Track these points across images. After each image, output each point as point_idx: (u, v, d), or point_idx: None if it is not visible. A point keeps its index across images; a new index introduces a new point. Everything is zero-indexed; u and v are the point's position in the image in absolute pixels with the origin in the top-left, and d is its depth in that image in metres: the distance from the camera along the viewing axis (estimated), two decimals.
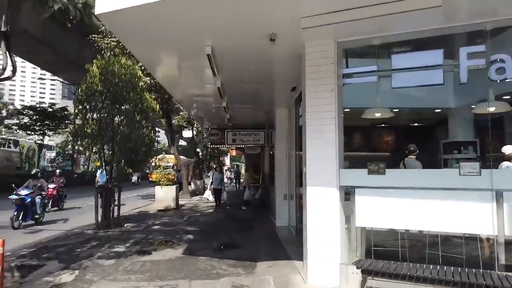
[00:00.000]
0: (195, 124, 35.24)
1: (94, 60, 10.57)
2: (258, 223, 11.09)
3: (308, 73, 5.15)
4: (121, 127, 10.48)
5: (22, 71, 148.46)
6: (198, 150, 32.49)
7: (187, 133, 43.98)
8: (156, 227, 10.75)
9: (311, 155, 5.07)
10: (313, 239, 5.00)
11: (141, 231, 10.08)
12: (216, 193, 15.48)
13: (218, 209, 14.72)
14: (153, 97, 11.69)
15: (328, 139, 4.96)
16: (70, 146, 11.65)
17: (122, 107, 10.41)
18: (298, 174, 9.30)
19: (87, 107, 10.10)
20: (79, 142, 10.24)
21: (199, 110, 11.66)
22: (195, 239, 8.90)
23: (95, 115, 10.40)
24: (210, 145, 16.01)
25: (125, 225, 10.96)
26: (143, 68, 16.11)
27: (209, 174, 36.25)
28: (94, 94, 10.13)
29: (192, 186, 25.47)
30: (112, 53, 14.11)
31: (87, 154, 10.79)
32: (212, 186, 15.68)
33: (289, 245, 7.79)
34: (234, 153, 37.57)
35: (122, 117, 10.39)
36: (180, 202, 16.88)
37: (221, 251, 7.52)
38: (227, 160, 53.20)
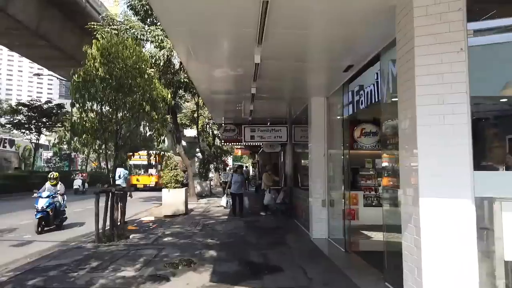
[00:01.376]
0: (207, 119, 33.57)
1: (93, 41, 8.86)
2: (288, 234, 9.36)
3: (418, 28, 3.43)
4: (126, 120, 8.77)
5: (19, 69, 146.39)
6: (203, 149, 30.85)
7: (189, 132, 42.44)
8: (168, 239, 9.02)
9: (425, 150, 3.36)
10: (433, 275, 3.29)
11: (151, 244, 8.36)
12: (235, 199, 12.75)
13: (233, 216, 12.96)
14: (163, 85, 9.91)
15: (455, 125, 3.25)
16: (65, 144, 9.41)
17: (128, 97, 8.69)
18: (345, 175, 7.64)
19: (86, 95, 8.36)
20: (76, 139, 8.50)
21: (219, 99, 9.92)
22: (220, 256, 7.17)
23: (95, 106, 8.71)
24: (224, 143, 14.22)
25: (130, 237, 9.24)
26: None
27: (212, 175, 34.58)
28: (93, 80, 8.42)
29: (198, 188, 23.80)
30: None
31: (86, 152, 9.03)
32: (230, 190, 12.79)
33: (348, 269, 6.06)
34: (239, 152, 35.86)
35: (128, 108, 8.66)
36: (188, 206, 15.18)
37: (260, 277, 5.80)
38: (229, 161, 51.55)
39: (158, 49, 16.35)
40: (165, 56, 16.36)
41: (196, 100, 26.83)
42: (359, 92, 6.83)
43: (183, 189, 14.06)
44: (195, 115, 30.62)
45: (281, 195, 12.60)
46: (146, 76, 9.15)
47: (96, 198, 8.76)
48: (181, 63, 17.50)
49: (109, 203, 8.87)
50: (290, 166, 13.17)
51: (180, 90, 19.17)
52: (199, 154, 39.82)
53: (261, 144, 14.44)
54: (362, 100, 6.61)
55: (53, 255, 7.48)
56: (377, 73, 5.89)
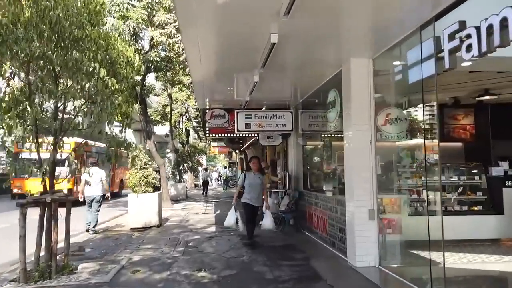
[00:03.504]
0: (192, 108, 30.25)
1: None
2: (314, 259, 6.47)
3: None
4: (70, 91, 5.64)
5: None
6: (176, 147, 27.70)
7: (161, 129, 39.03)
8: (136, 271, 5.98)
9: None
10: None
11: (108, 285, 5.31)
12: (250, 215, 7.69)
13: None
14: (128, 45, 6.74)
15: None
16: None
17: (70, 54, 5.57)
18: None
19: (3, 48, 5.18)
20: None
21: (214, 68, 6.96)
22: None
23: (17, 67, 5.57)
24: (209, 133, 11.10)
25: (79, 268, 6.14)
26: None
27: (186, 177, 31.28)
28: (15, 25, 5.28)
29: (172, 191, 20.66)
30: None
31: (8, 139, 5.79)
32: (242, 200, 7.78)
33: None
34: (216, 151, 32.81)
35: (72, 71, 5.55)
36: (162, 214, 12.11)
37: None
38: (203, 160, 48.32)
39: (122, 20, 13.14)
40: (131, 28, 13.17)
41: (169, 91, 23.72)
42: (455, 34, 4.09)
43: (156, 193, 10.99)
44: (167, 109, 27.48)
45: (286, 200, 9.76)
46: (101, 27, 6.10)
47: (21, 213, 5.58)
48: (152, 38, 14.37)
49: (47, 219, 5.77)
50: (295, 163, 10.34)
51: (151, 73, 16.01)
52: (170, 155, 36.46)
53: (256, 135, 11.50)
54: (471, 45, 3.86)
55: None
56: None
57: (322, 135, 9.26)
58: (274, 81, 8.03)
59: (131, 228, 10.42)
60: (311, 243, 7.90)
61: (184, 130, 31.95)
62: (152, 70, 14.74)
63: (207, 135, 11.25)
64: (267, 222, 7.84)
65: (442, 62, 4.41)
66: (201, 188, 29.33)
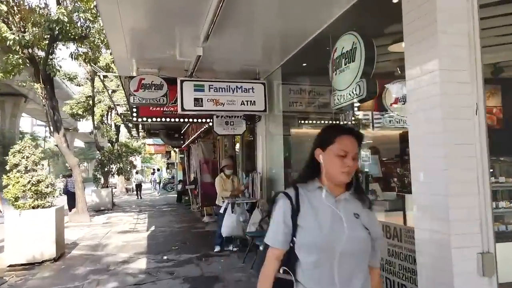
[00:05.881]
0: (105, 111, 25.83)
1: None
2: None
3: None
4: None
5: None
6: (103, 145, 23.23)
7: (84, 125, 33.76)
8: None
9: None
10: None
11: None
12: None
13: (157, 259, 6.44)
14: None
15: None
16: None
17: None
18: None
19: None
20: None
21: None
22: None
23: None
24: (136, 116, 7.20)
25: None
26: None
27: (115, 181, 26.68)
28: None
29: (94, 198, 16.48)
30: None
31: None
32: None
33: None
34: (152, 150, 28.53)
35: None
36: (68, 237, 8.27)
37: None
38: (138, 162, 43.43)
39: None
40: None
41: (89, 72, 19.40)
42: None
43: (53, 209, 7.11)
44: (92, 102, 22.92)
45: (256, 217, 6.43)
46: None
47: None
48: None
49: None
50: (267, 160, 7.05)
51: (59, 43, 11.84)
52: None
53: (209, 121, 7.84)
54: None
55: None
56: None
57: (321, 115, 6.14)
58: (241, 32, 4.76)
59: (9, 267, 6.54)
60: None
61: (113, 126, 27.36)
62: (56, 34, 10.60)
63: (134, 118, 7.30)
64: None
65: None
66: (133, 192, 26.05)
